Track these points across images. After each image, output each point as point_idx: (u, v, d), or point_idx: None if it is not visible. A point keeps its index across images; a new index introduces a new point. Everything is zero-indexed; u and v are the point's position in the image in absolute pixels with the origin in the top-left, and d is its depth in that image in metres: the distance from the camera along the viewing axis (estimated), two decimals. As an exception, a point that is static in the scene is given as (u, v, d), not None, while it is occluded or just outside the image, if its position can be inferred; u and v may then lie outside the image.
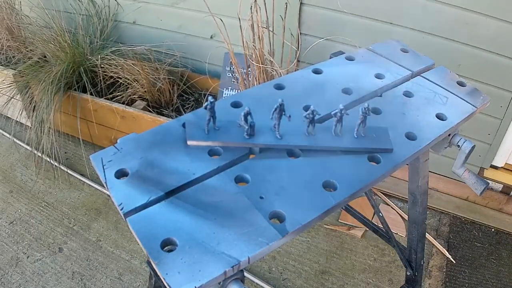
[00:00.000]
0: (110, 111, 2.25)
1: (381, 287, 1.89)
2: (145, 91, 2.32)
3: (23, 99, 2.42)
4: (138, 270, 1.93)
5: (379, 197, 2.31)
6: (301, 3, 1.95)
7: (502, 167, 2.09)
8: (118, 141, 0.83)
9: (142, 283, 1.88)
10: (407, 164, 1.13)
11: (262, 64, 1.88)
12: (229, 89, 2.27)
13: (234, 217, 0.70)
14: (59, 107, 2.27)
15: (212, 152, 0.82)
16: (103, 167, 0.77)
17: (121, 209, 0.70)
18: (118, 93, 2.33)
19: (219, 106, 0.86)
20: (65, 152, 2.54)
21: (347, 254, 2.02)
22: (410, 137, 0.90)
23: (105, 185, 0.75)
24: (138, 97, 2.35)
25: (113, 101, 2.26)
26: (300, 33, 2.00)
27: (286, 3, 1.82)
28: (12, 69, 2.42)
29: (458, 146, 1.01)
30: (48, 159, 2.33)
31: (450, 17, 1.71)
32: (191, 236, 0.66)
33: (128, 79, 2.31)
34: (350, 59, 1.13)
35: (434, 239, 2.09)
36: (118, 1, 2.47)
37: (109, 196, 1.46)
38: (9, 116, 2.64)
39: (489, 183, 1.06)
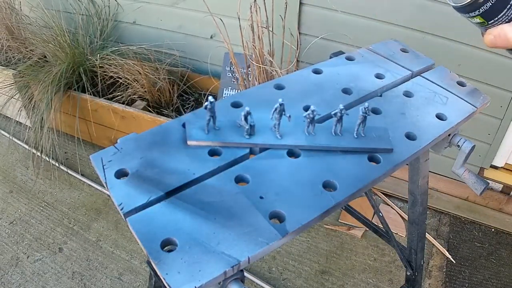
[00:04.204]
0: (110, 111, 2.25)
1: (381, 287, 1.89)
2: (145, 91, 2.32)
3: (23, 99, 2.42)
4: (138, 270, 1.93)
5: (379, 197, 2.31)
6: (300, 3, 1.95)
7: (502, 167, 2.09)
8: (118, 141, 0.83)
9: (142, 283, 1.88)
10: (407, 164, 1.13)
11: (262, 64, 1.88)
12: (229, 89, 2.27)
13: (234, 217, 0.70)
14: (59, 107, 2.27)
15: (212, 152, 0.82)
16: (103, 167, 0.77)
17: (121, 209, 0.70)
18: (118, 93, 2.33)
19: (219, 106, 0.86)
20: (65, 152, 2.54)
21: (347, 254, 2.02)
22: (410, 137, 0.90)
23: (105, 185, 0.75)
24: (138, 97, 2.35)
25: (113, 101, 2.26)
26: (300, 33, 2.00)
27: (286, 3, 1.82)
28: (12, 69, 2.43)
29: (458, 146, 1.01)
30: (48, 159, 2.33)
31: (450, 17, 1.71)
32: (191, 236, 0.66)
33: (128, 79, 2.31)
34: (350, 59, 1.13)
35: (434, 239, 2.09)
36: (118, 1, 2.47)
37: (109, 196, 1.46)
38: (9, 116, 2.64)
39: (489, 183, 1.06)
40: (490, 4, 0.62)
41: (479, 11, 0.64)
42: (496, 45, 0.65)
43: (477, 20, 0.65)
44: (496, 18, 0.64)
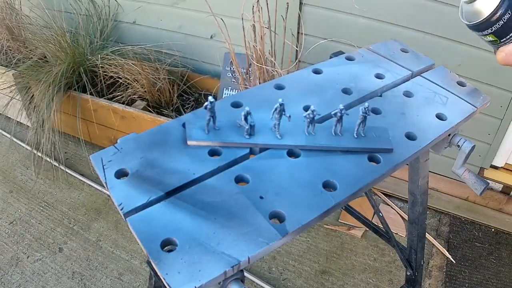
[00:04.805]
0: (110, 111, 2.25)
1: (381, 287, 1.89)
2: (145, 91, 2.32)
3: (23, 99, 2.42)
4: (138, 270, 1.93)
5: (379, 197, 2.31)
6: (301, 3, 1.95)
7: (502, 167, 2.09)
8: (118, 141, 0.83)
9: (142, 283, 1.88)
10: (407, 164, 1.13)
11: (263, 64, 1.88)
12: (229, 89, 2.27)
13: (234, 217, 0.70)
14: (59, 107, 2.27)
15: (212, 152, 0.82)
16: (103, 167, 0.77)
17: (121, 209, 0.70)
18: (118, 93, 2.33)
19: (219, 106, 0.86)
20: (65, 152, 2.55)
21: (347, 254, 2.02)
22: (410, 137, 0.90)
23: (105, 185, 0.76)
24: (138, 97, 2.35)
25: (113, 101, 2.26)
26: (301, 33, 2.01)
27: (287, 3, 1.82)
28: (12, 69, 2.43)
29: (458, 146, 1.01)
30: (48, 159, 2.34)
31: (450, 17, 1.71)
32: (191, 236, 0.66)
33: (128, 79, 2.31)
34: (350, 59, 1.13)
35: (434, 239, 2.09)
36: (118, 1, 2.47)
37: (109, 196, 1.46)
38: (9, 116, 2.64)
39: (489, 183, 1.06)
40: (502, 23, 0.65)
41: (491, 30, 0.67)
42: (507, 62, 0.67)
43: (490, 38, 0.68)
44: (508, 37, 0.66)
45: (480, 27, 0.67)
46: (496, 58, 0.68)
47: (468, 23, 0.69)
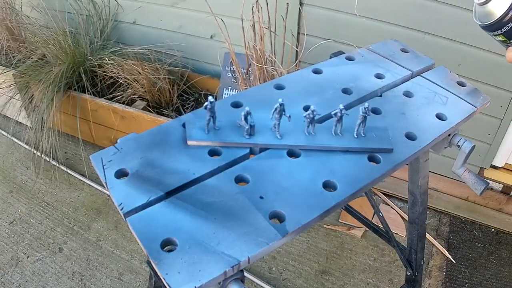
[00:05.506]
0: (110, 111, 2.25)
1: (381, 287, 1.89)
2: (145, 91, 2.32)
3: (23, 99, 2.42)
4: (138, 270, 1.93)
5: (379, 197, 2.31)
6: (301, 3, 1.95)
7: (502, 167, 2.09)
8: (118, 141, 0.83)
9: (142, 283, 1.88)
10: (407, 164, 1.13)
11: (263, 65, 1.88)
12: (229, 89, 2.27)
13: (234, 217, 0.70)
14: (59, 107, 2.27)
15: (212, 152, 0.82)
16: (103, 167, 0.78)
17: (121, 209, 0.70)
18: (118, 93, 2.33)
19: (219, 106, 0.86)
20: (65, 152, 2.54)
21: (347, 254, 2.02)
22: (410, 137, 0.90)
23: (105, 185, 0.76)
24: (138, 97, 2.35)
25: (113, 101, 2.26)
26: (301, 33, 2.01)
27: (287, 3, 1.82)
28: (12, 69, 2.43)
29: (458, 146, 1.02)
30: (48, 159, 2.33)
31: (450, 17, 1.71)
32: (191, 236, 0.66)
33: (128, 79, 2.31)
34: (350, 59, 1.13)
35: (434, 239, 2.09)
36: (118, 1, 2.47)
37: (109, 196, 1.46)
38: (9, 116, 2.64)
39: (489, 183, 1.06)
40: None
41: (501, 31, 0.73)
42: None
43: (500, 38, 0.75)
44: None
45: (491, 27, 0.73)
46: (506, 56, 0.74)
47: (480, 23, 0.73)
